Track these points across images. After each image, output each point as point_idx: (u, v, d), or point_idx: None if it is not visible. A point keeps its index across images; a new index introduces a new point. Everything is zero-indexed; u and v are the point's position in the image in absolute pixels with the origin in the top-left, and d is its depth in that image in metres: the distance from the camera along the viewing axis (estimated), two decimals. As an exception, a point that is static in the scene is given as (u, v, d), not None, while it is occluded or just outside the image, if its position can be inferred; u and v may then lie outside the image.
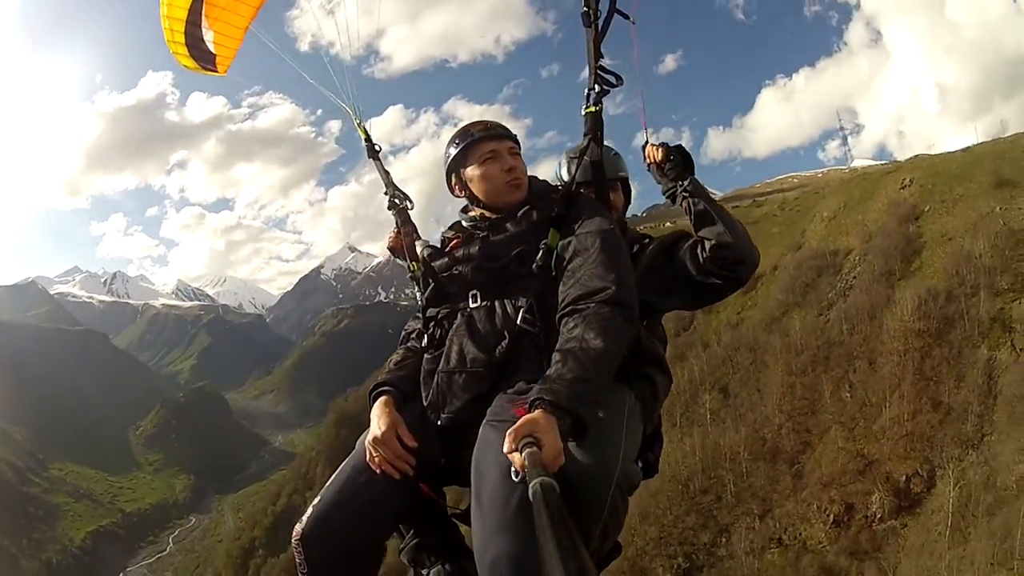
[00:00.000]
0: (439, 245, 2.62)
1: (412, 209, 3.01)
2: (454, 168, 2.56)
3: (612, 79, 2.67)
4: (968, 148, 76.41)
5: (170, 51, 3.60)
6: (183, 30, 3.50)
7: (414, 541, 2.38)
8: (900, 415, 47.54)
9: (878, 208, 68.45)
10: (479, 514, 1.86)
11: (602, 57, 2.70)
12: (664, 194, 2.82)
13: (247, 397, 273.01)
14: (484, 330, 2.27)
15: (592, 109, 2.68)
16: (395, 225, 2.98)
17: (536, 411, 1.81)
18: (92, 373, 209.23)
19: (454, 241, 2.55)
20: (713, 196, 2.74)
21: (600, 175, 2.72)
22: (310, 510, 2.17)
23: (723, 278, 2.66)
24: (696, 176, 2.77)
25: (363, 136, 3.23)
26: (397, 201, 2.99)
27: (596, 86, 2.65)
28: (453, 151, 2.54)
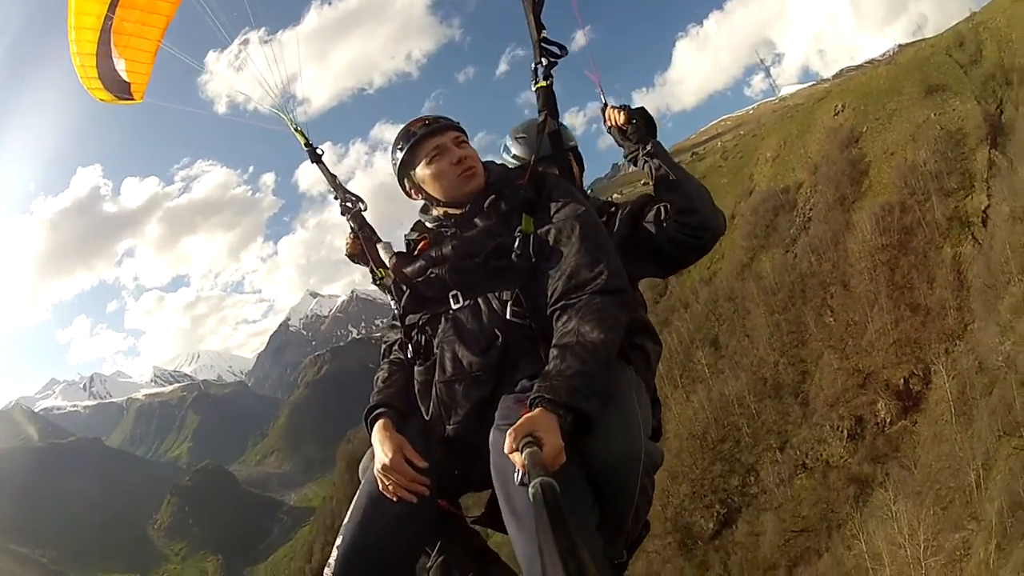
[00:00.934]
0: (405, 249, 2.51)
1: (366, 210, 2.91)
2: (404, 172, 2.46)
3: (556, 50, 2.65)
4: (892, 61, 79.64)
5: (84, 87, 3.56)
6: (95, 64, 3.45)
7: (440, 558, 2.29)
8: (884, 326, 50.02)
9: (817, 139, 70.87)
10: (517, 524, 1.79)
11: (543, 28, 2.65)
12: (625, 157, 2.78)
13: (250, 465, 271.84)
14: (474, 331, 2.19)
15: (543, 84, 2.64)
16: (350, 230, 2.88)
17: (536, 410, 1.79)
18: (94, 478, 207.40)
19: (421, 243, 2.44)
20: None
21: (560, 148, 2.70)
22: (335, 552, 2.11)
23: (687, 245, 2.62)
24: (658, 139, 2.73)
25: (302, 141, 3.12)
26: (349, 205, 2.89)
27: (543, 59, 2.63)
28: (399, 155, 2.44)
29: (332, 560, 2.09)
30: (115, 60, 3.49)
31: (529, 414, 1.77)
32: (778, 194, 70.17)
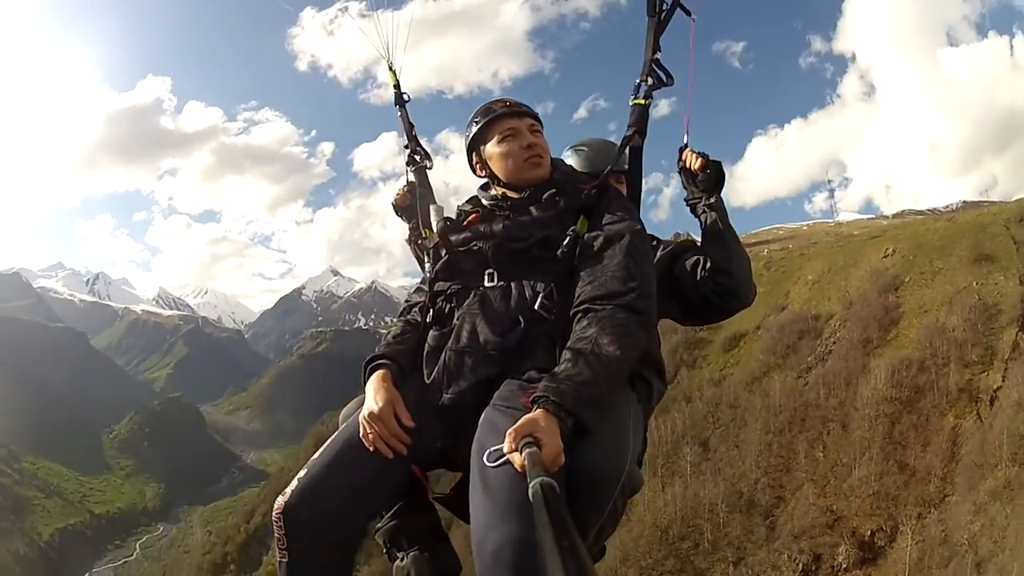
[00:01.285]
0: (455, 217, 2.54)
1: (431, 168, 2.95)
2: (474, 146, 2.51)
3: (663, 76, 2.66)
4: (953, 218, 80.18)
5: None
6: None
7: (393, 522, 2.25)
8: (868, 475, 50.40)
9: (860, 275, 71.79)
10: (484, 498, 1.74)
11: (659, 51, 2.67)
12: (687, 201, 2.80)
13: (221, 411, 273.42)
14: (499, 311, 2.18)
15: (641, 101, 2.63)
16: (406, 181, 2.95)
17: (538, 411, 1.78)
18: (68, 371, 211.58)
19: (472, 215, 2.47)
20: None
21: (638, 167, 2.68)
22: (295, 482, 2.04)
23: (713, 304, 2.66)
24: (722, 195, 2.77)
25: (393, 81, 3.13)
26: (417, 158, 2.95)
27: (648, 79, 2.64)
28: (474, 129, 2.49)
29: (289, 490, 2.02)
30: None
31: (530, 415, 1.77)
32: (808, 318, 70.99)
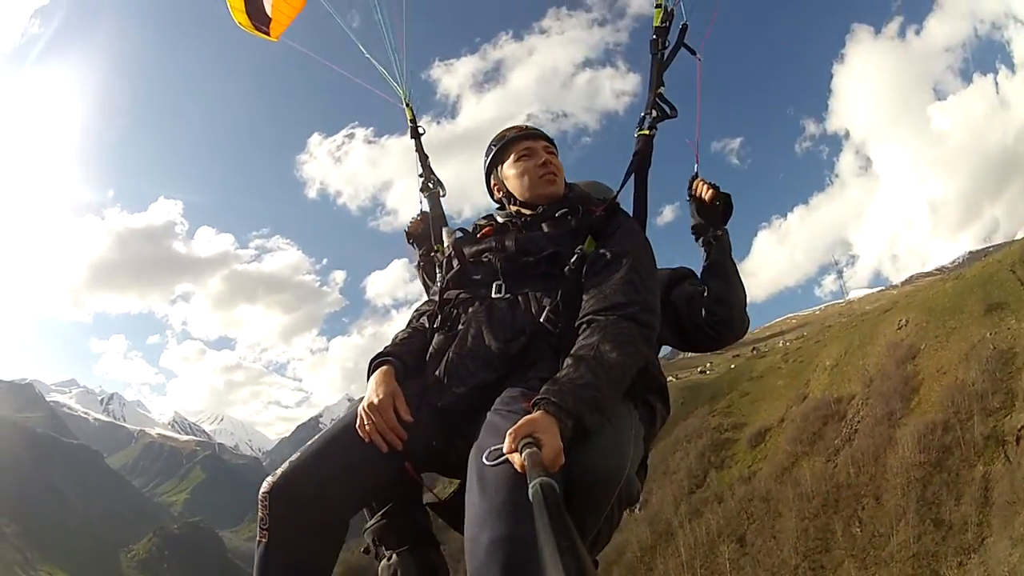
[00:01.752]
0: (470, 230, 2.61)
1: (444, 196, 3.07)
2: (492, 168, 2.62)
3: (667, 109, 2.70)
4: (960, 274, 79.80)
5: (228, 5, 3.51)
6: None
7: (383, 521, 2.24)
8: (906, 540, 47.85)
9: (878, 351, 70.83)
10: (480, 496, 1.71)
11: (663, 86, 2.73)
12: (692, 229, 2.83)
13: (241, 538, 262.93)
14: (505, 320, 2.19)
15: (645, 132, 2.67)
16: (420, 210, 3.12)
17: (538, 412, 1.76)
18: (83, 486, 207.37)
19: (486, 228, 2.54)
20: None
21: (644, 193, 2.67)
22: (286, 464, 2.02)
23: (705, 335, 2.70)
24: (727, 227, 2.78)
25: (409, 117, 3.23)
26: (431, 185, 3.07)
27: (653, 111, 2.69)
28: (493, 151, 2.62)
29: (279, 471, 2.01)
30: None
31: (530, 416, 1.75)
32: (830, 403, 69.47)
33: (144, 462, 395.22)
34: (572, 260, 2.26)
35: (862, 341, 76.26)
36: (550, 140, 2.64)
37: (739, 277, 2.77)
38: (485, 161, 2.68)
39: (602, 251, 2.28)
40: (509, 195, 2.59)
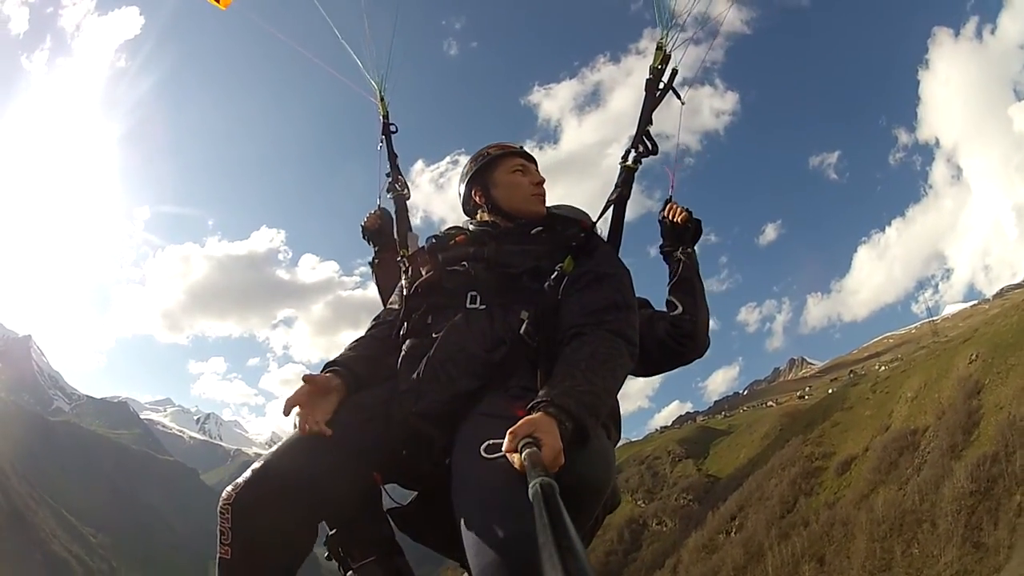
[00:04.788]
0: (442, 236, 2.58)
1: (409, 199, 3.04)
2: (478, 177, 2.60)
3: (650, 146, 2.73)
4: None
5: None
6: None
7: (347, 531, 2.20)
8: (951, 560, 57.76)
9: (951, 385, 79.50)
10: (476, 488, 1.75)
11: (651, 123, 2.79)
12: (662, 249, 3.01)
13: None
14: (484, 331, 2.18)
15: (630, 165, 2.71)
16: (377, 206, 3.18)
17: (537, 413, 1.76)
18: (177, 502, 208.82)
19: (458, 237, 2.52)
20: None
21: (620, 222, 2.72)
22: (248, 472, 1.94)
23: (670, 350, 2.84)
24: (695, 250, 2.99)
25: (381, 112, 3.17)
26: (398, 187, 3.03)
27: (639, 146, 2.73)
28: (487, 157, 2.62)
29: (240, 479, 1.93)
30: None
31: (530, 417, 1.75)
32: (906, 435, 78.39)
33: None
34: (552, 276, 2.27)
35: (939, 373, 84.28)
36: (538, 166, 2.71)
37: (704, 295, 2.95)
38: (468, 171, 2.66)
39: (586, 269, 2.30)
40: (492, 203, 2.57)
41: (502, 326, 2.18)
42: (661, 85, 2.78)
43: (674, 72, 2.79)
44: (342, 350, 2.36)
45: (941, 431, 73.53)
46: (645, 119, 2.74)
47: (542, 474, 1.32)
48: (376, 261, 3.17)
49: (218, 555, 1.87)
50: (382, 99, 3.17)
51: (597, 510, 1.98)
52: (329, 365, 2.24)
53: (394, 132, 3.13)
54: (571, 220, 2.58)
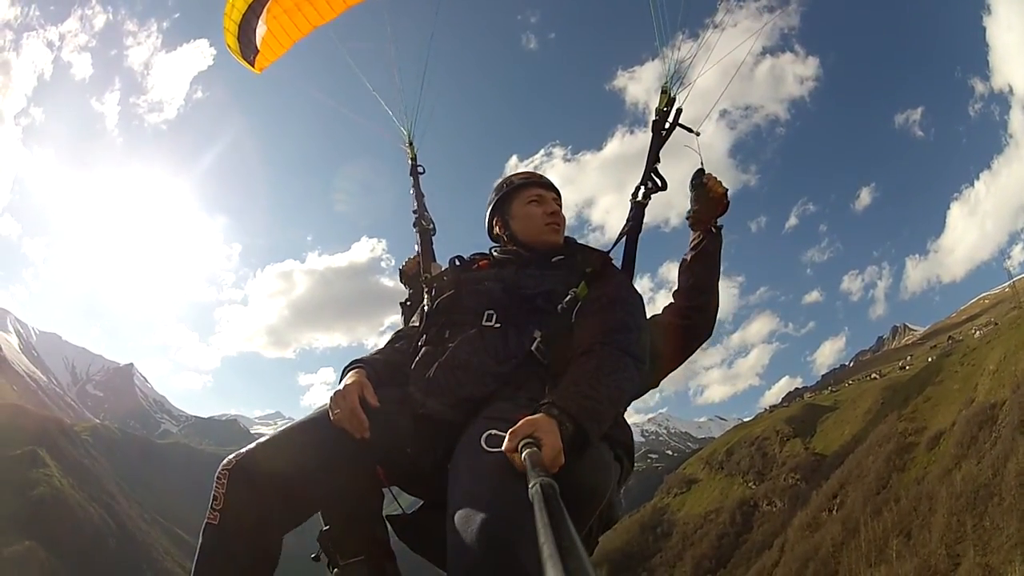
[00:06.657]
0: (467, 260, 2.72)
1: (435, 235, 3.26)
2: (499, 208, 2.73)
3: (659, 182, 2.86)
4: None
5: (222, 24, 3.63)
6: (242, 13, 3.60)
7: (340, 527, 2.22)
8: (1013, 532, 65.56)
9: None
10: (474, 481, 1.78)
11: (659, 161, 2.89)
12: (689, 215, 3.13)
13: None
14: (497, 346, 2.28)
15: (640, 200, 2.85)
16: (416, 253, 3.32)
17: (538, 414, 1.82)
18: None
19: (482, 261, 2.67)
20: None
21: (633, 253, 2.82)
22: (252, 444, 2.01)
23: (676, 325, 2.99)
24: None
25: (410, 156, 3.45)
26: (424, 223, 3.24)
27: (648, 183, 2.87)
28: (505, 188, 2.74)
29: (244, 449, 2.01)
30: (259, 23, 3.64)
31: (531, 417, 1.79)
32: (986, 409, 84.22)
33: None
34: (566, 300, 2.36)
35: (1018, 344, 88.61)
36: (559, 193, 2.78)
37: (719, 275, 3.07)
38: (491, 201, 2.77)
39: (600, 294, 2.39)
40: (510, 234, 2.70)
41: (515, 344, 2.29)
42: (667, 125, 2.97)
43: (679, 111, 2.99)
44: (368, 353, 2.51)
45: (1015, 405, 79.38)
46: (653, 157, 2.91)
47: (542, 474, 1.35)
48: (408, 303, 3.30)
49: (206, 519, 1.92)
50: (411, 144, 3.53)
51: (593, 517, 2.06)
52: (355, 362, 2.37)
53: (422, 174, 3.48)
54: (588, 249, 2.71)
